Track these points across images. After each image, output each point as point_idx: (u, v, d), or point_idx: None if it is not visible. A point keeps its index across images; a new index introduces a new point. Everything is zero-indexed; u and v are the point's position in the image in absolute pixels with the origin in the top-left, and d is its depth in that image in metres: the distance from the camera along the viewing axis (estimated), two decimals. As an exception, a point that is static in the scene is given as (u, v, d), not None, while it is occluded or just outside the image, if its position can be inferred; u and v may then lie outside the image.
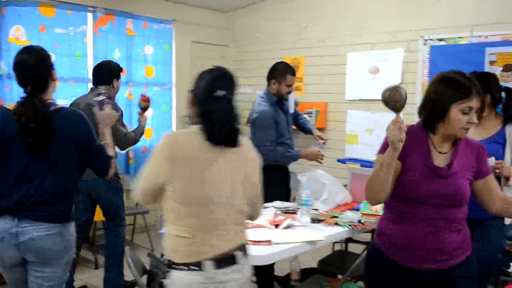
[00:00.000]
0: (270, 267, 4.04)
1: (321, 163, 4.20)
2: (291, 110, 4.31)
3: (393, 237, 2.26)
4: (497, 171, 2.82)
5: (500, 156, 2.95)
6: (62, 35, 5.32)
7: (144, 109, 4.28)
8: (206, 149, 2.04)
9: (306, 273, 4.21)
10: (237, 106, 2.15)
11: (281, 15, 6.44)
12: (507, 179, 2.87)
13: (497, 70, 4.67)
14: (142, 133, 4.22)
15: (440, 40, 5.01)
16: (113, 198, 4.09)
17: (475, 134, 2.95)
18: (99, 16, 5.61)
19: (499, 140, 3.01)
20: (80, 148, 2.55)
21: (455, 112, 2.15)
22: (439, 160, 2.23)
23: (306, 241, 2.94)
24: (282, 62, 4.32)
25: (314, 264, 4.01)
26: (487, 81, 3.06)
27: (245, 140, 2.21)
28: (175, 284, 2.06)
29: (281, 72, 4.08)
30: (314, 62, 6.07)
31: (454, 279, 2.22)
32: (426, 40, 5.12)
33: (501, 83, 4.64)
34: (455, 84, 2.17)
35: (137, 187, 2.17)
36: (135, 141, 4.13)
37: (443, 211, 2.18)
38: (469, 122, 2.15)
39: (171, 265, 2.07)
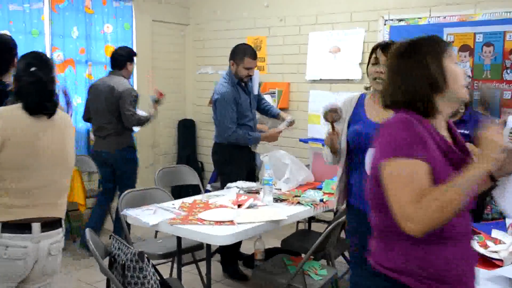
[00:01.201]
0: (235, 246, 4.08)
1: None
2: (255, 92, 4.31)
3: (428, 265, 1.60)
4: None
5: None
6: (17, 13, 5.15)
7: (157, 101, 4.78)
8: (27, 120, 2.27)
9: (270, 253, 4.26)
10: (55, 84, 2.44)
11: (242, -6, 6.39)
12: None
13: (454, 50, 4.77)
14: (148, 120, 4.71)
15: (400, 20, 5.08)
16: (127, 168, 4.67)
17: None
18: (56, -7, 5.46)
19: None
20: None
21: (450, 67, 1.69)
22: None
23: (269, 221, 2.98)
24: (243, 44, 4.33)
25: (278, 244, 4.07)
26: None
27: (62, 114, 2.47)
28: None
29: (240, 54, 4.08)
30: (276, 41, 6.06)
31: None
32: (386, 20, 5.17)
33: (458, 63, 4.77)
34: (428, 40, 1.73)
35: None
36: (139, 123, 4.65)
37: (469, 216, 1.70)
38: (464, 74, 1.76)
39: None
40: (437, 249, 1.59)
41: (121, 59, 4.65)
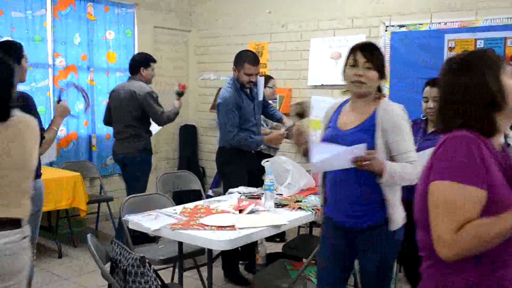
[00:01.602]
0: (236, 251, 4.08)
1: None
2: (260, 98, 4.33)
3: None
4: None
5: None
6: (20, 19, 5.18)
7: (180, 94, 4.91)
8: None
9: (271, 257, 4.27)
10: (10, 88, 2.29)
11: (243, 0, 6.41)
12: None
13: (455, 56, 4.77)
14: (176, 113, 4.87)
15: (401, 26, 5.09)
16: (139, 170, 4.72)
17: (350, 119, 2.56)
18: (59, -1, 5.49)
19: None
20: None
21: (508, 83, 1.59)
22: None
23: (270, 226, 2.98)
24: (246, 50, 4.39)
25: (279, 249, 4.06)
26: None
27: (23, 117, 2.34)
28: None
29: (240, 61, 4.13)
30: (277, 47, 6.08)
31: None
32: (387, 26, 5.19)
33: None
34: (484, 56, 1.63)
35: None
36: (170, 119, 4.81)
37: None
38: None
39: None
40: (491, 270, 1.53)
41: (134, 64, 4.82)
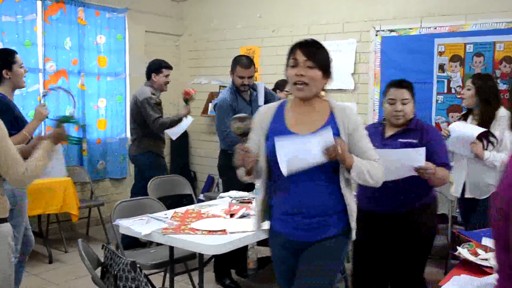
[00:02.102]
0: (228, 255, 4.07)
1: None
2: (260, 103, 4.36)
3: None
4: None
5: None
6: (10, 24, 5.16)
7: (186, 101, 4.99)
8: None
9: (263, 262, 4.27)
10: None
11: (234, 4, 6.42)
12: None
13: (445, 60, 4.81)
14: (175, 121, 4.94)
15: (391, 31, 5.12)
16: (151, 173, 4.62)
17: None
18: (49, 4, 5.47)
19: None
20: None
21: None
22: None
23: (261, 230, 2.97)
24: (241, 55, 4.57)
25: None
26: None
27: None
28: None
29: (233, 64, 4.27)
30: (268, 52, 6.09)
31: None
32: (377, 31, 5.22)
33: (449, 73, 4.81)
34: None
35: None
36: (163, 126, 4.84)
37: None
38: None
39: None
40: None
41: (147, 70, 4.97)
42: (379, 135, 3.01)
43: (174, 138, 5.31)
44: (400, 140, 2.94)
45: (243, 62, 4.23)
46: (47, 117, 3.51)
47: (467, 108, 3.82)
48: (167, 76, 4.94)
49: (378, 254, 3.06)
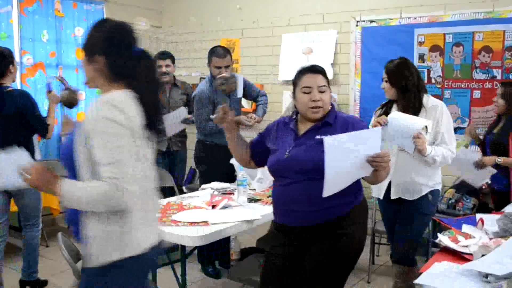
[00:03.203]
0: (212, 246, 4.08)
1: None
2: (239, 95, 4.34)
3: None
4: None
5: None
6: (-15, 16, 5.07)
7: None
8: None
9: (245, 253, 4.27)
10: None
11: (215, -4, 6.39)
12: None
13: (425, 50, 4.84)
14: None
15: (371, 21, 5.14)
16: None
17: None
18: (25, -4, 5.38)
19: None
20: (23, 116, 3.57)
21: None
22: None
23: (243, 221, 2.97)
24: (217, 46, 4.45)
25: (254, 244, 4.07)
26: None
27: None
28: None
29: (210, 55, 4.26)
30: (249, 43, 6.07)
31: None
32: (358, 21, 5.23)
33: (429, 63, 4.84)
34: None
35: None
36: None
37: None
38: None
39: None
40: None
41: None
42: (291, 133, 2.52)
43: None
44: (318, 137, 2.39)
45: (218, 52, 4.22)
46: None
47: (389, 99, 3.31)
48: (159, 66, 4.76)
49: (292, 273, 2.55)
